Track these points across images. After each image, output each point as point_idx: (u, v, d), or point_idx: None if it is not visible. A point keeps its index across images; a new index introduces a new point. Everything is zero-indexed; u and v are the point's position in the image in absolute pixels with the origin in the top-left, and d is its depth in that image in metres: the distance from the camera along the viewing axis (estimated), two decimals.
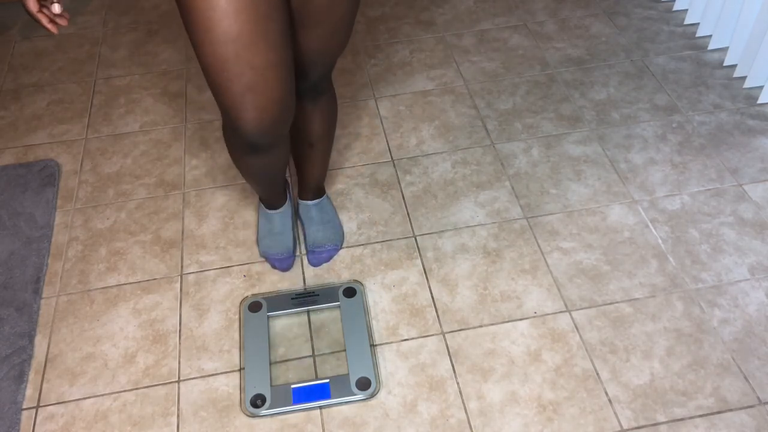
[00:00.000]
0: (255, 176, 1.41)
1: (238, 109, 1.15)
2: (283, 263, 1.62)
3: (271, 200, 1.60)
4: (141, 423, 1.37)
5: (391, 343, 1.48)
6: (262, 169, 1.37)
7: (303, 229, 1.69)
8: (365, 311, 1.53)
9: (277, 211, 1.63)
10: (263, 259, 1.64)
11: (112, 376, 1.45)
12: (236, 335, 1.51)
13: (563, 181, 1.80)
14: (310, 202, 1.67)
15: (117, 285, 1.61)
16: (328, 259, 1.64)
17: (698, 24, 2.23)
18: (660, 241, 1.65)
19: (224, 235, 1.71)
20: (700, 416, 1.35)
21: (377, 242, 1.68)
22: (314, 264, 1.63)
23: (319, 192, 1.68)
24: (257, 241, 1.67)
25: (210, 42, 1.08)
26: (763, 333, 1.47)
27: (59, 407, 1.41)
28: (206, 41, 1.08)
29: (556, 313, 1.52)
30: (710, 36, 2.18)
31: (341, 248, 1.67)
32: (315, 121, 1.46)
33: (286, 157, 1.39)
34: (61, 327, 1.54)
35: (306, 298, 1.55)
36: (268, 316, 1.53)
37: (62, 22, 1.08)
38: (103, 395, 1.42)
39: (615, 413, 1.36)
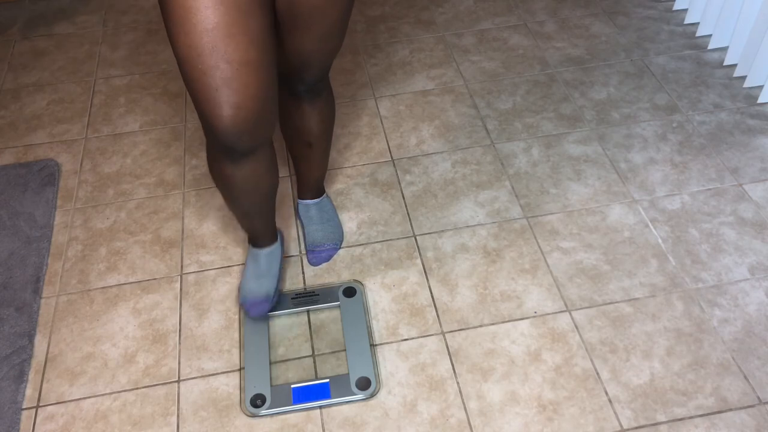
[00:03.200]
0: (237, 197, 1.32)
1: (213, 106, 1.10)
2: (256, 308, 1.48)
3: (257, 235, 1.49)
4: (141, 423, 1.37)
5: (391, 342, 1.48)
6: (244, 185, 1.28)
7: (302, 229, 1.69)
8: (365, 311, 1.53)
9: (264, 250, 1.52)
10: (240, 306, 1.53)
11: (112, 375, 1.45)
12: (236, 335, 1.51)
13: (563, 180, 1.80)
14: (309, 202, 1.67)
15: (117, 285, 1.61)
16: (328, 258, 1.64)
17: (698, 24, 2.23)
18: (660, 240, 1.65)
19: (224, 235, 1.71)
20: (700, 416, 1.34)
21: (377, 242, 1.68)
22: (314, 263, 1.63)
23: (318, 191, 1.68)
24: (240, 286, 1.55)
25: (186, 32, 1.05)
26: (763, 333, 1.46)
27: (59, 407, 1.41)
28: (182, 31, 1.05)
29: (556, 312, 1.52)
30: (710, 36, 2.18)
31: (341, 248, 1.66)
32: (313, 121, 1.46)
33: (270, 176, 1.31)
34: (61, 327, 1.54)
35: (306, 297, 1.55)
36: (268, 316, 1.53)
37: None
38: (103, 395, 1.42)
39: (615, 413, 1.36)
